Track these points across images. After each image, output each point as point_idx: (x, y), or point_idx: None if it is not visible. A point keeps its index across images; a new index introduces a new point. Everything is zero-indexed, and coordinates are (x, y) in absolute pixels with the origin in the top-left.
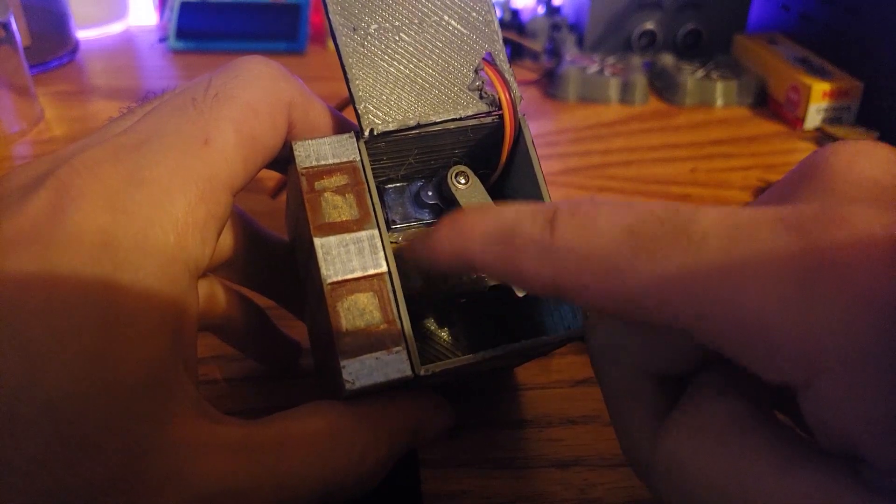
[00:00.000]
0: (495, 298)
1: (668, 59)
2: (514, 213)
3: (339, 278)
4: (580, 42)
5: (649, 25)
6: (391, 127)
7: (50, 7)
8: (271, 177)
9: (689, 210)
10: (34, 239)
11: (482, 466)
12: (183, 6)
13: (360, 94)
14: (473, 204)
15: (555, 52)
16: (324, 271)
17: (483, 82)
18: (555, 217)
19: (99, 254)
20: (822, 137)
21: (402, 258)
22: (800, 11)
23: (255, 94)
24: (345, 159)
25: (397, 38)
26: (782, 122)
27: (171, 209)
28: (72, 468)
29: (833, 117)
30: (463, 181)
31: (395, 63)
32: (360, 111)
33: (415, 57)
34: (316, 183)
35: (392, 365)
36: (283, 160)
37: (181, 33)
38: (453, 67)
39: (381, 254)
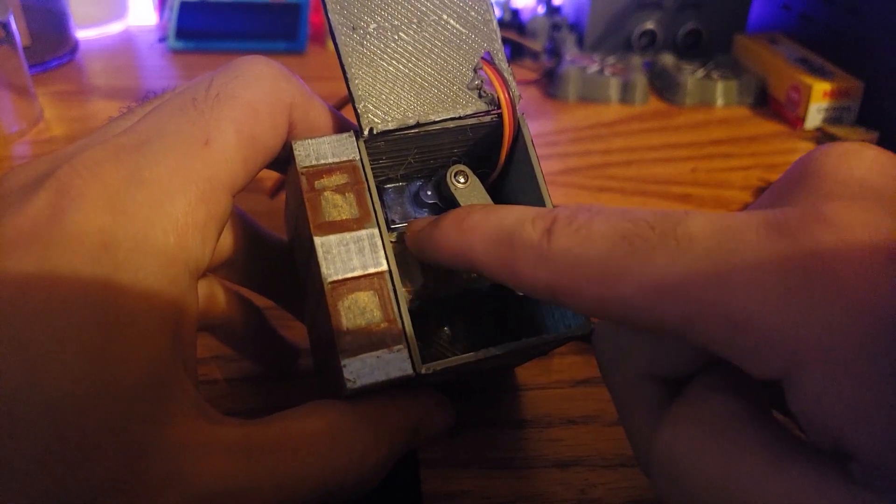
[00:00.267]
0: (496, 297)
1: (668, 59)
2: (516, 217)
3: (340, 277)
4: (580, 42)
5: (649, 25)
6: (390, 126)
7: (49, 7)
8: (270, 177)
9: (679, 215)
10: (34, 239)
11: (482, 466)
12: (183, 6)
13: (360, 93)
14: (476, 203)
15: (555, 51)
16: (324, 270)
17: (482, 81)
18: (553, 224)
19: (99, 254)
20: (822, 137)
21: (404, 245)
22: (800, 11)
23: (256, 95)
24: (344, 158)
25: (396, 37)
26: (783, 122)
27: (172, 210)
28: (71, 468)
29: (833, 117)
30: (462, 180)
31: (394, 62)
32: (359, 110)
33: (414, 56)
34: (316, 182)
35: (393, 363)
36: (282, 160)
37: (181, 33)
38: (452, 66)
39: (382, 252)
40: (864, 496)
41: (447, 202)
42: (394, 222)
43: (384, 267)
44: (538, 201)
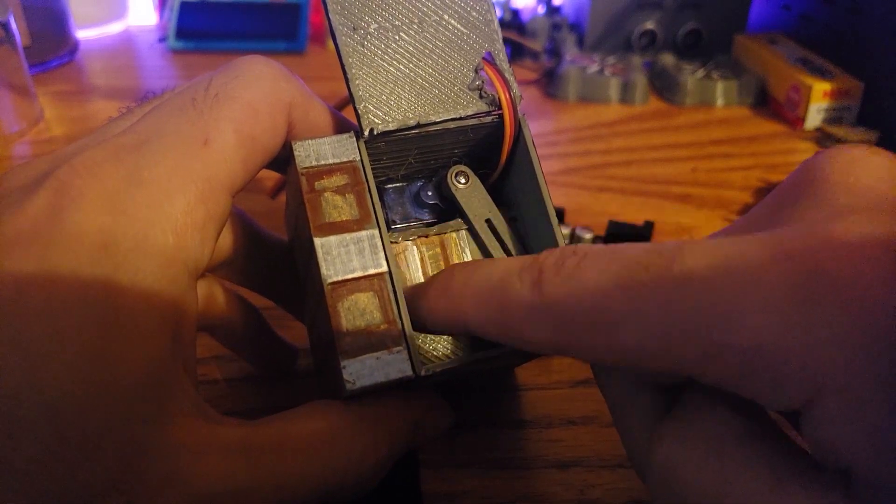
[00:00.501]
0: None
1: (668, 59)
2: (501, 272)
3: (340, 278)
4: (580, 42)
5: (649, 25)
6: (391, 127)
7: (50, 7)
8: (270, 177)
9: (672, 250)
10: (34, 239)
11: (482, 466)
12: (183, 6)
13: (360, 93)
14: (473, 208)
15: (555, 51)
16: (324, 271)
17: (483, 82)
18: (541, 275)
19: (98, 254)
20: (822, 137)
21: (406, 245)
22: (800, 11)
23: (256, 95)
24: (345, 159)
25: (397, 37)
26: (783, 122)
27: (171, 210)
28: (71, 469)
29: (834, 117)
30: (463, 181)
31: (394, 63)
32: (359, 111)
33: (415, 56)
34: (316, 183)
35: (393, 365)
36: (282, 160)
37: (181, 33)
38: (453, 67)
39: (382, 253)
40: None
41: (448, 202)
42: (394, 222)
43: (384, 268)
44: (539, 202)
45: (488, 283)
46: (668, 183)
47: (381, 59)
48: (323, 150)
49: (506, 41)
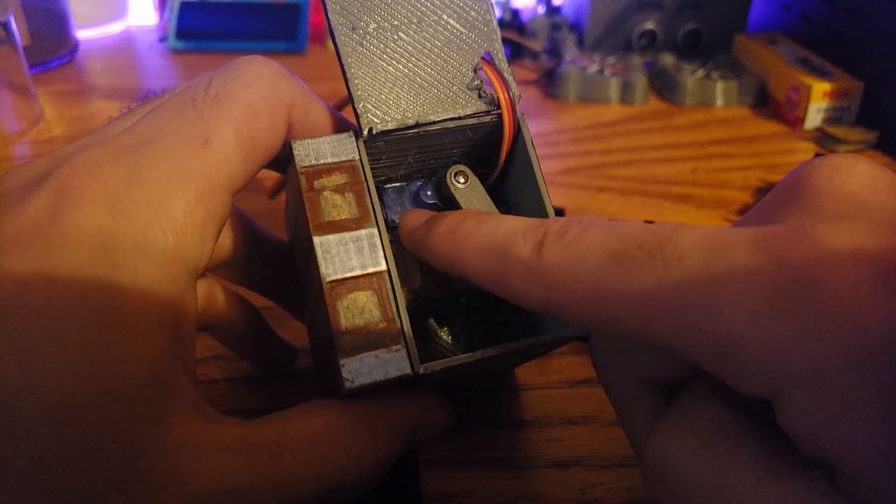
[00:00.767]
0: (495, 298)
1: (668, 59)
2: (507, 230)
3: (339, 277)
4: (580, 42)
5: (649, 25)
6: (390, 126)
7: (50, 7)
8: (270, 177)
9: (667, 231)
10: (34, 239)
11: (482, 466)
12: (183, 6)
13: (359, 93)
14: (472, 208)
15: (555, 51)
16: (323, 270)
17: (482, 81)
18: (544, 239)
19: (98, 254)
20: (822, 137)
21: (403, 245)
22: (800, 11)
23: (256, 95)
24: (344, 158)
25: (396, 37)
26: (783, 122)
27: (171, 210)
28: (71, 468)
29: (833, 117)
30: (462, 180)
31: (393, 62)
32: (358, 110)
33: (414, 56)
34: (315, 182)
35: (392, 363)
36: (282, 160)
37: (181, 33)
38: (452, 67)
39: (381, 252)
40: None
41: (447, 202)
42: (394, 222)
43: (383, 267)
44: (538, 201)
45: (493, 237)
46: (668, 183)
47: (380, 58)
48: (322, 150)
49: (506, 41)
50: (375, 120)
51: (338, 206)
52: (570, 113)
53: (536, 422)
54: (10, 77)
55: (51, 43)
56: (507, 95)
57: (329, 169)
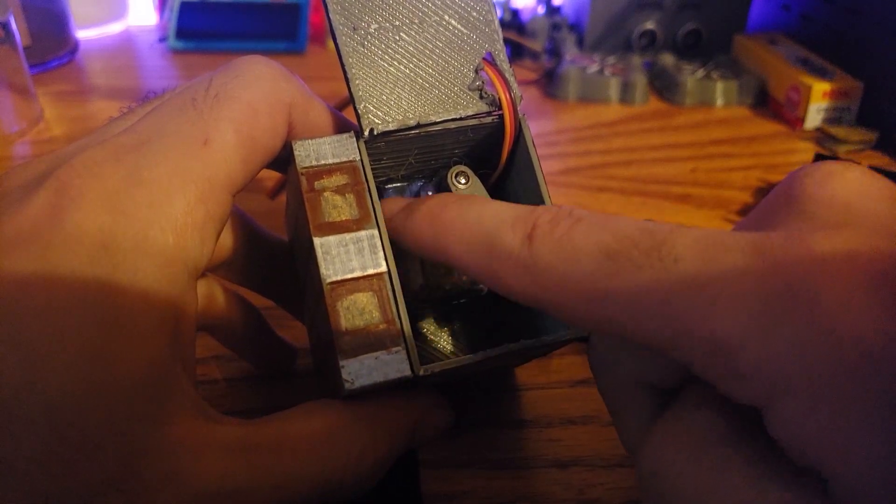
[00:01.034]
0: (495, 299)
1: (668, 59)
2: (495, 218)
3: (339, 278)
4: (580, 42)
5: (649, 25)
6: (391, 127)
7: (50, 7)
8: (270, 177)
9: (664, 232)
10: (34, 239)
11: (482, 466)
12: (183, 6)
13: (360, 93)
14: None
15: (555, 51)
16: (323, 271)
17: (483, 82)
18: (534, 231)
19: (98, 254)
20: (822, 137)
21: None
22: (800, 11)
23: (256, 95)
24: (344, 159)
25: (397, 37)
26: (782, 122)
27: (171, 210)
28: (71, 468)
29: (833, 117)
30: (463, 181)
31: (395, 63)
32: (359, 111)
33: (415, 57)
34: (316, 182)
35: (391, 365)
36: (282, 160)
37: (181, 33)
38: (453, 67)
39: (381, 253)
40: None
41: None
42: None
43: (383, 268)
44: (539, 202)
45: (479, 225)
46: (668, 183)
47: (381, 59)
48: (323, 150)
49: (506, 41)
50: (376, 120)
51: (338, 206)
52: (570, 113)
53: (536, 422)
54: (10, 77)
55: (51, 43)
56: (508, 96)
57: (330, 170)
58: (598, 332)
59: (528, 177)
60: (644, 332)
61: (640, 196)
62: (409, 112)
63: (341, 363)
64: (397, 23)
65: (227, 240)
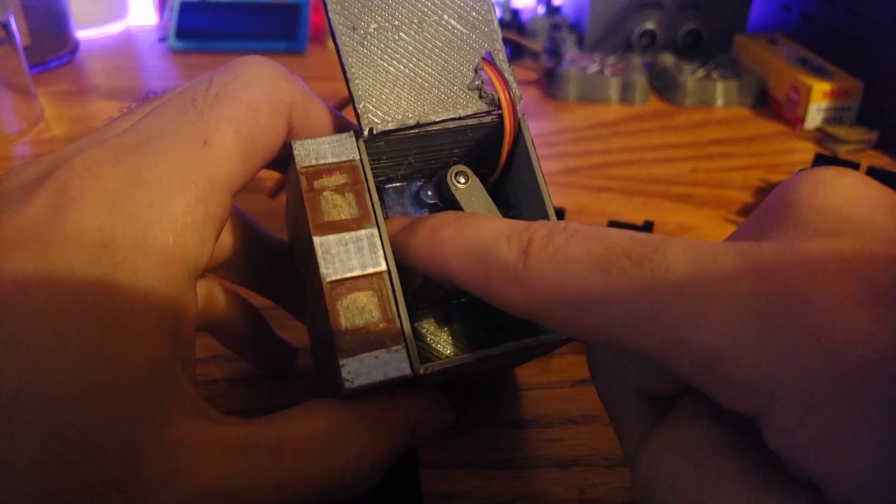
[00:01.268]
0: None
1: (668, 59)
2: (491, 233)
3: (339, 277)
4: (580, 42)
5: (649, 25)
6: (390, 126)
7: (50, 7)
8: (270, 177)
9: (655, 242)
10: (34, 239)
11: (482, 466)
12: (183, 6)
13: (360, 93)
14: (473, 208)
15: (555, 51)
16: (323, 270)
17: (482, 82)
18: (529, 245)
19: (98, 254)
20: (822, 137)
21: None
22: (800, 11)
23: (256, 95)
24: (344, 158)
25: (397, 37)
26: (783, 122)
27: (170, 210)
28: (71, 468)
29: (833, 117)
30: (463, 181)
31: (394, 62)
32: (359, 110)
33: (414, 56)
34: (315, 182)
35: (391, 363)
36: (282, 160)
37: (181, 33)
38: (453, 67)
39: (381, 252)
40: None
41: (448, 202)
42: None
43: (383, 267)
44: (538, 201)
45: (477, 240)
46: (668, 183)
47: (380, 58)
48: (322, 150)
49: (506, 41)
50: (376, 120)
51: (338, 206)
52: (570, 113)
53: (537, 422)
54: (10, 77)
55: (51, 43)
56: (507, 95)
57: (329, 169)
58: (591, 342)
59: (528, 176)
60: (636, 341)
61: (640, 196)
62: (408, 111)
63: (341, 362)
64: (396, 22)
65: (226, 240)
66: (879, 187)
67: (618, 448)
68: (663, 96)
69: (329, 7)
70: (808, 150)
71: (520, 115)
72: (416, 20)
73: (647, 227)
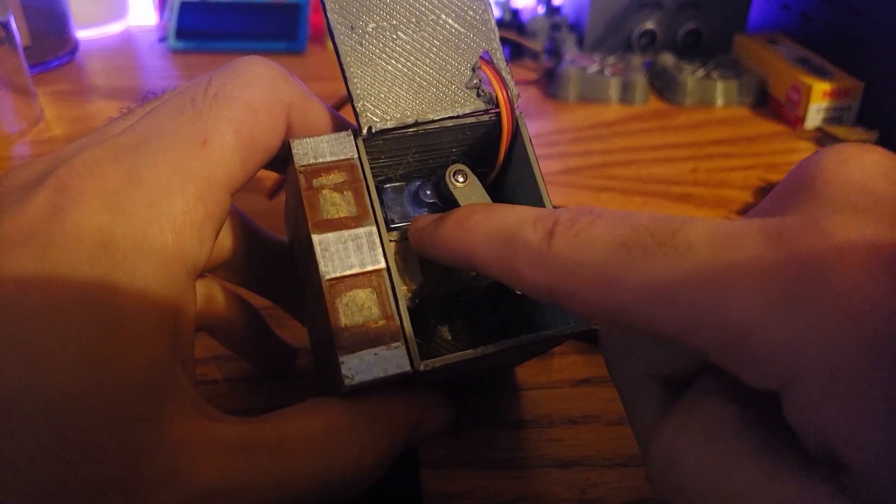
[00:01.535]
0: (496, 295)
1: (668, 59)
2: (518, 218)
3: (338, 275)
4: (580, 42)
5: (649, 25)
6: (389, 125)
7: (50, 7)
8: (269, 177)
9: (678, 221)
10: (34, 239)
11: (482, 466)
12: (183, 6)
13: (358, 92)
14: (478, 202)
15: (555, 51)
16: (322, 268)
17: (480, 80)
18: (554, 227)
19: (98, 254)
20: (822, 137)
21: (403, 243)
22: (800, 11)
23: (255, 95)
24: (343, 157)
25: (395, 36)
26: (783, 122)
27: (170, 209)
28: (71, 468)
29: (833, 117)
30: (461, 179)
31: (392, 61)
32: (358, 109)
33: (412, 55)
34: (314, 180)
35: (391, 360)
36: (281, 160)
37: (181, 33)
38: (451, 66)
39: (380, 250)
40: None
41: (446, 201)
42: (393, 221)
43: (382, 265)
44: (537, 200)
45: (503, 224)
46: (667, 183)
47: (379, 57)
48: (321, 148)
49: (506, 41)
50: (374, 119)
51: (336, 204)
52: (570, 113)
53: (537, 421)
54: (10, 77)
55: (51, 43)
56: (505, 94)
57: (328, 167)
58: (612, 323)
59: (526, 174)
60: (659, 320)
61: (640, 196)
62: (406, 110)
63: (341, 359)
64: (395, 22)
65: (226, 240)
66: None
67: (620, 447)
68: (663, 96)
69: (327, 6)
70: (808, 150)
71: (517, 113)
72: (413, 19)
73: None
